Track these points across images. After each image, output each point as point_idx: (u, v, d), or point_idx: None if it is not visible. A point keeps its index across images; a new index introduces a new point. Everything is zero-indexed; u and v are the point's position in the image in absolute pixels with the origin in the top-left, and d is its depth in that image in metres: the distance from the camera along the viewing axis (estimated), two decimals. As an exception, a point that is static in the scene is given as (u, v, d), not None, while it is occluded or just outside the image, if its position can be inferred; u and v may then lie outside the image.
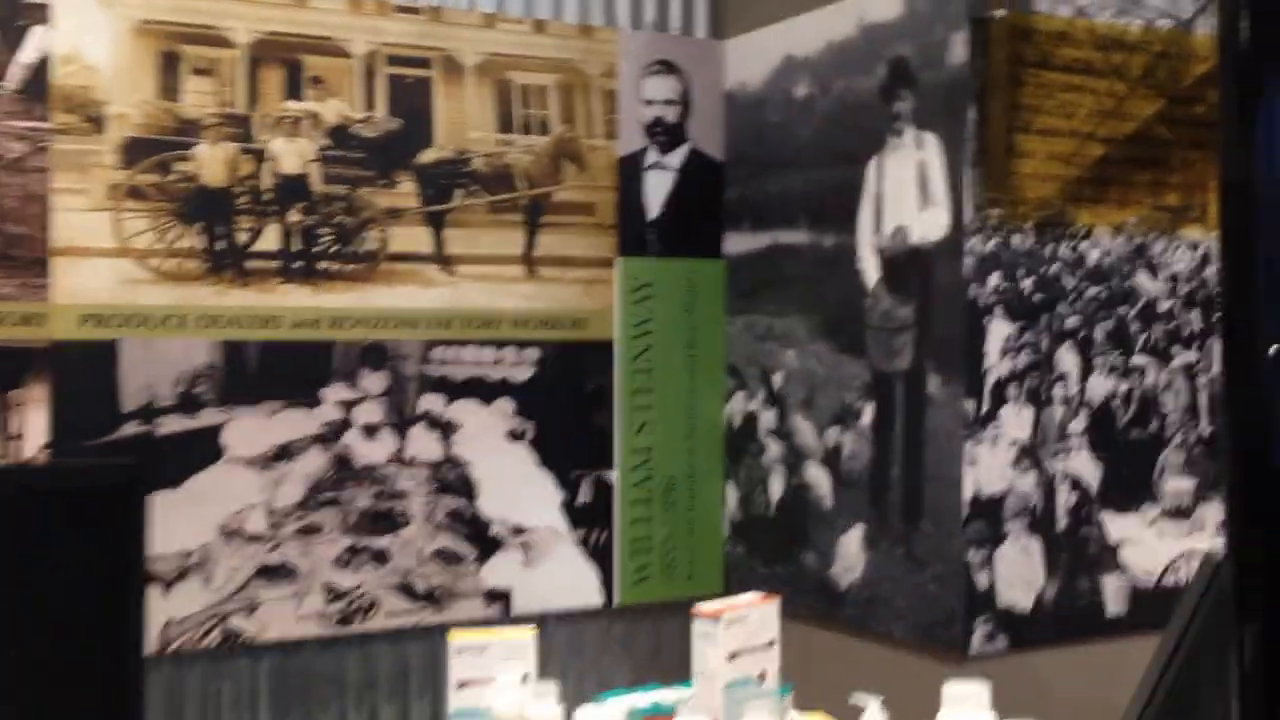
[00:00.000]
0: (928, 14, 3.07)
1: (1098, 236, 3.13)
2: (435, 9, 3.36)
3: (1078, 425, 3.11)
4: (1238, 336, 1.58)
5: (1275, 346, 1.49)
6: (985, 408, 3.00)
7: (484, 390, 3.41)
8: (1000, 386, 3.03)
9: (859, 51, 3.26)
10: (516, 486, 3.43)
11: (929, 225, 3.06)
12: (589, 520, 3.52)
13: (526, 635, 2.58)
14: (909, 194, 3.11)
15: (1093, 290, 3.13)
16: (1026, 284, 3.05)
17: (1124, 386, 3.17)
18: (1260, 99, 1.41)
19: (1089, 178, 3.11)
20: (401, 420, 3.32)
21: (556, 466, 3.48)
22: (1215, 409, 3.30)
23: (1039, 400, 3.07)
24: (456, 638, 2.57)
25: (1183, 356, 3.25)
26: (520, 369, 3.45)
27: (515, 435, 3.45)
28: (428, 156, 3.34)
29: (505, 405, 3.43)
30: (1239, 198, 1.49)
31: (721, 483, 3.67)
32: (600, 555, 3.53)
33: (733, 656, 2.52)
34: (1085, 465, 3.13)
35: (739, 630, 2.53)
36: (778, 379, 3.50)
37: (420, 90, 3.34)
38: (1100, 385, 3.14)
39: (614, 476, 3.54)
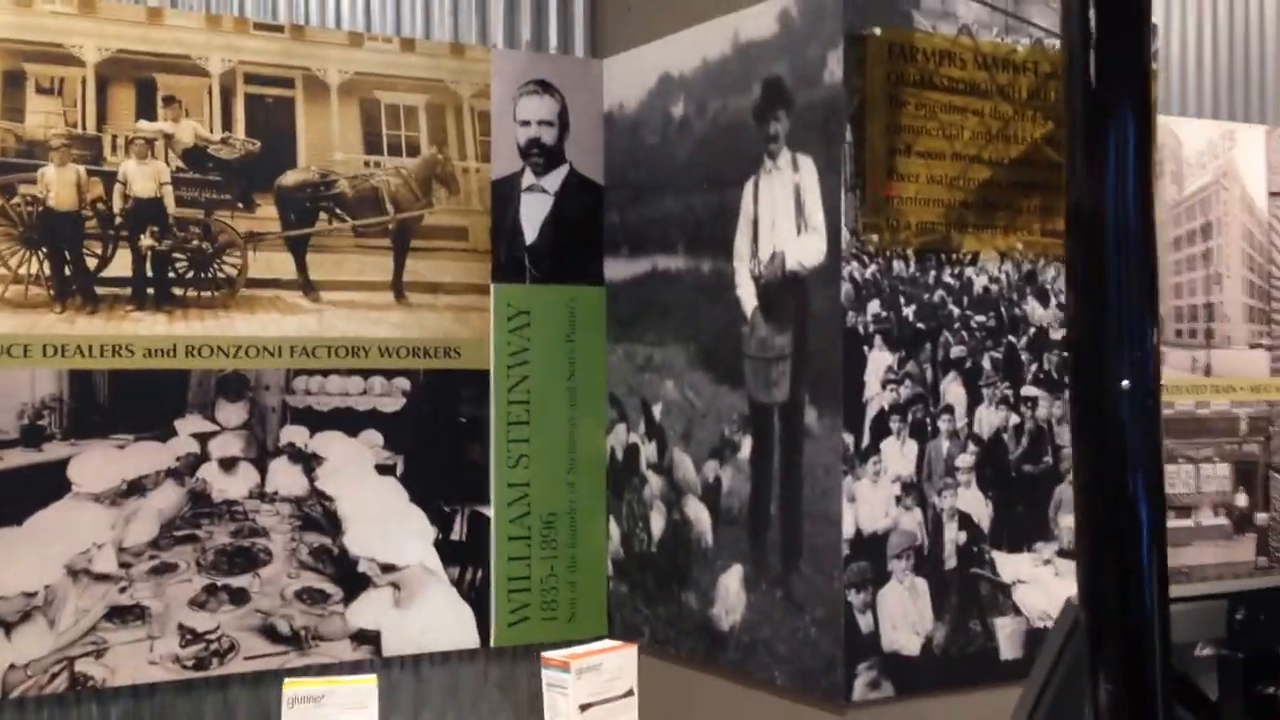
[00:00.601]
0: (803, 31, 2.92)
1: (984, 263, 2.99)
2: (298, 27, 3.18)
3: (966, 459, 2.96)
4: (1087, 371, 1.48)
5: (1125, 382, 1.38)
6: (865, 441, 2.84)
7: (351, 422, 3.22)
8: (882, 419, 2.87)
9: (734, 70, 3.11)
10: (386, 522, 3.24)
11: (806, 251, 2.91)
12: (463, 558, 3.34)
13: (368, 682, 2.39)
14: (785, 218, 2.96)
15: (979, 318, 2.98)
16: (908, 312, 2.90)
17: (1015, 419, 3.02)
18: (1107, 130, 1.32)
19: (974, 202, 2.97)
20: (262, 453, 3.13)
21: (428, 501, 3.30)
22: (1108, 441, 3.15)
23: (924, 433, 2.91)
24: (291, 687, 2.38)
25: (1074, 387, 3.10)
26: (389, 399, 3.26)
27: (384, 469, 3.26)
28: (290, 179, 3.16)
29: (373, 437, 3.25)
30: (1087, 230, 1.39)
31: (604, 519, 3.50)
32: (476, 595, 3.34)
33: (585, 707, 2.34)
34: (974, 501, 2.97)
35: (593, 679, 2.35)
36: (658, 410, 3.34)
37: (282, 110, 3.16)
38: (989, 417, 3.00)
39: (490, 512, 3.36)
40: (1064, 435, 3.09)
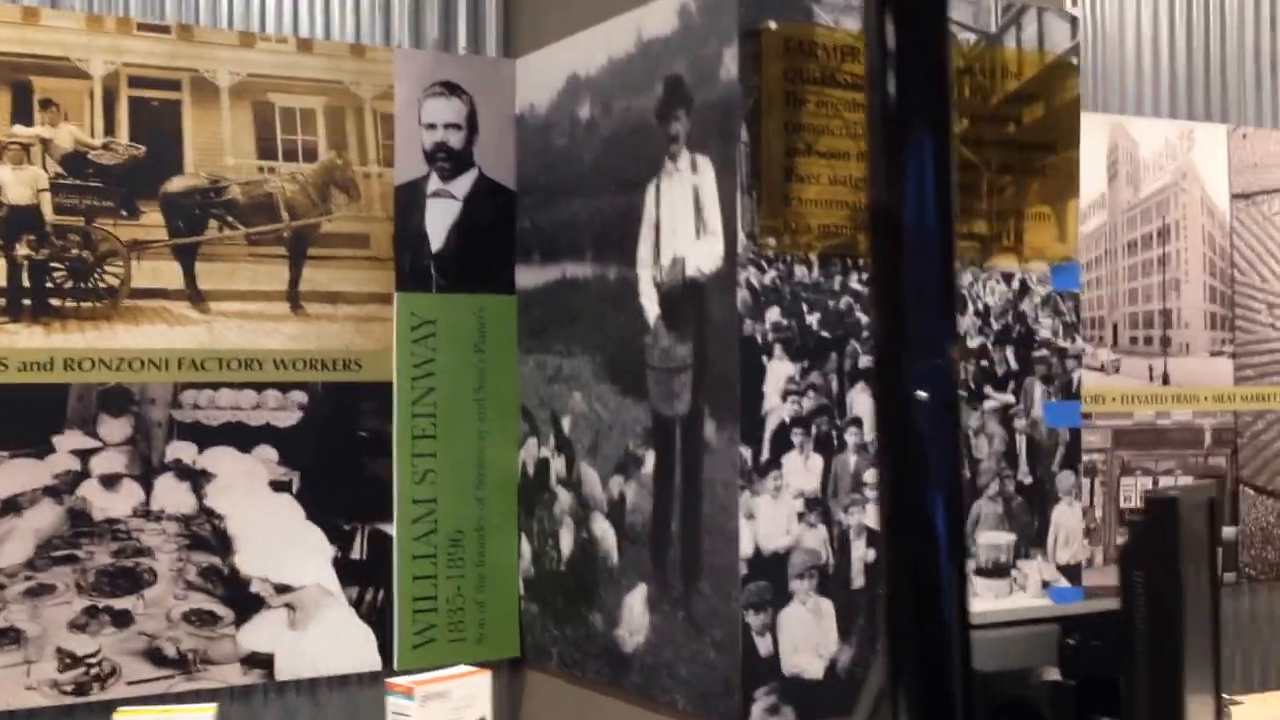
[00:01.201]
0: (701, 28, 2.76)
1: (894, 267, 2.82)
2: (185, 27, 3.04)
3: (873, 473, 2.79)
4: (889, 382, 1.37)
5: (921, 394, 1.28)
6: (765, 455, 2.68)
7: (243, 437, 3.07)
8: (783, 432, 2.70)
9: (638, 69, 2.95)
10: (280, 541, 3.09)
11: (704, 256, 2.75)
12: (364, 577, 3.18)
13: (207, 713, 2.24)
14: (685, 222, 2.80)
15: (889, 326, 2.81)
16: (812, 320, 2.73)
17: (927, 431, 2.85)
18: (909, 144, 1.27)
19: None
20: (147, 470, 2.99)
21: (326, 519, 3.15)
22: (1036, 455, 2.98)
23: (829, 447, 2.75)
24: (123, 716, 2.23)
25: (997, 398, 2.94)
26: (284, 414, 3.11)
27: (279, 485, 3.11)
28: (177, 185, 3.01)
29: (267, 453, 3.10)
30: (890, 250, 1.33)
31: (516, 536, 3.34)
32: (377, 616, 3.19)
33: (438, 741, 2.18)
34: (883, 517, 2.80)
35: (439, 707, 2.19)
36: (567, 423, 3.18)
37: (168, 114, 3.01)
38: (899, 430, 2.82)
39: (392, 530, 3.20)
40: (981, 448, 2.92)
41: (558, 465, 3.20)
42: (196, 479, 3.02)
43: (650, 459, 2.90)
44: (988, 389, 2.93)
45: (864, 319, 2.79)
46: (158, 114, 3.00)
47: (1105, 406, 4.02)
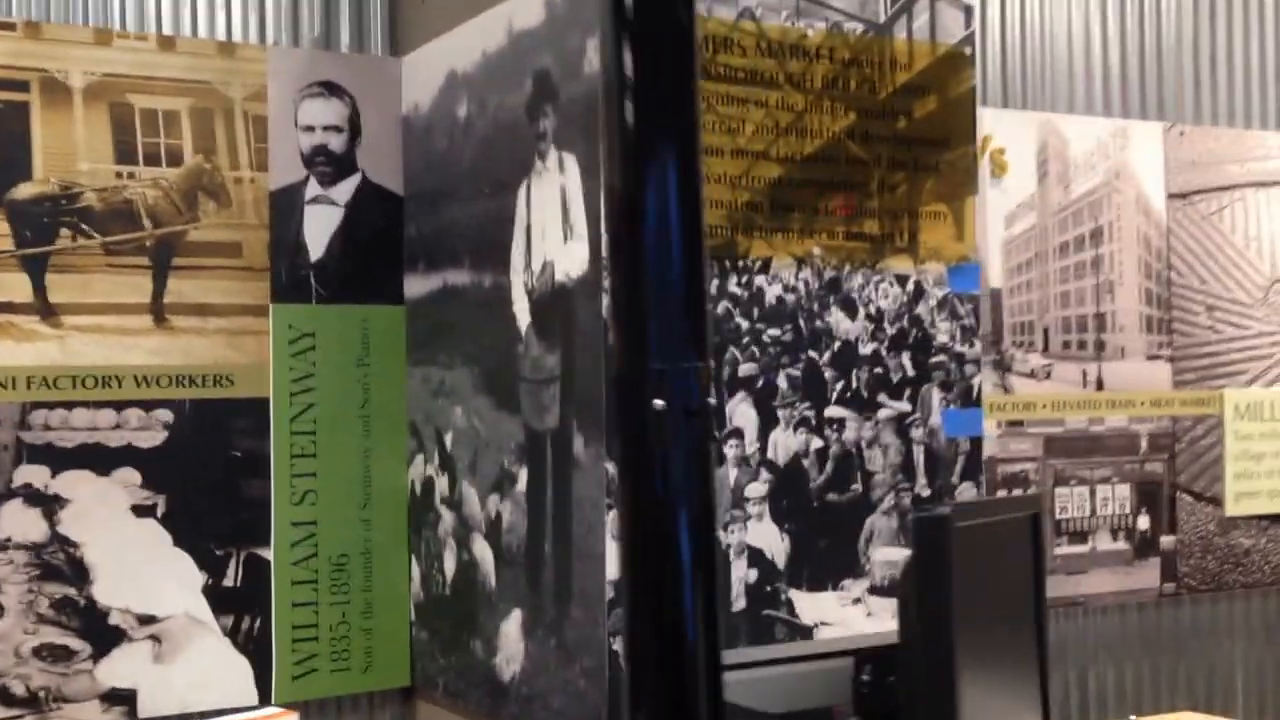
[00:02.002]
0: (566, 18, 2.57)
1: (777, 270, 2.62)
2: (33, 24, 2.84)
3: (758, 489, 2.59)
4: (626, 391, 1.25)
5: (659, 402, 1.21)
6: (634, 472, 2.47)
7: (101, 459, 2.87)
8: (654, 447, 2.49)
9: (509, 64, 2.75)
10: (143, 569, 2.89)
11: (572, 260, 2.55)
12: (239, 605, 2.98)
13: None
14: (554, 225, 2.60)
15: (773, 332, 2.61)
16: (686, 327, 2.52)
17: (817, 443, 2.65)
18: (649, 156, 1.21)
19: (763, 203, 2.60)
20: (-6, 496, 2.78)
21: (196, 545, 2.94)
22: (935, 466, 2.78)
23: (705, 462, 2.53)
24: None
25: (892, 407, 2.73)
26: (147, 434, 2.91)
27: (142, 510, 2.91)
28: (23, 192, 2.82)
29: (128, 475, 2.90)
30: (629, 267, 1.27)
31: (406, 559, 3.13)
32: (254, 646, 2.98)
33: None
34: (768, 535, 2.60)
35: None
36: (449, 439, 2.97)
37: (14, 116, 2.81)
38: (786, 442, 2.62)
39: (270, 554, 3.00)
40: (876, 459, 2.71)
41: (441, 484, 3.00)
42: (49, 504, 2.82)
43: (523, 476, 2.70)
44: (882, 397, 2.72)
45: (744, 324, 2.58)
46: (3, 117, 2.80)
47: (1036, 414, 3.81)
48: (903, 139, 2.74)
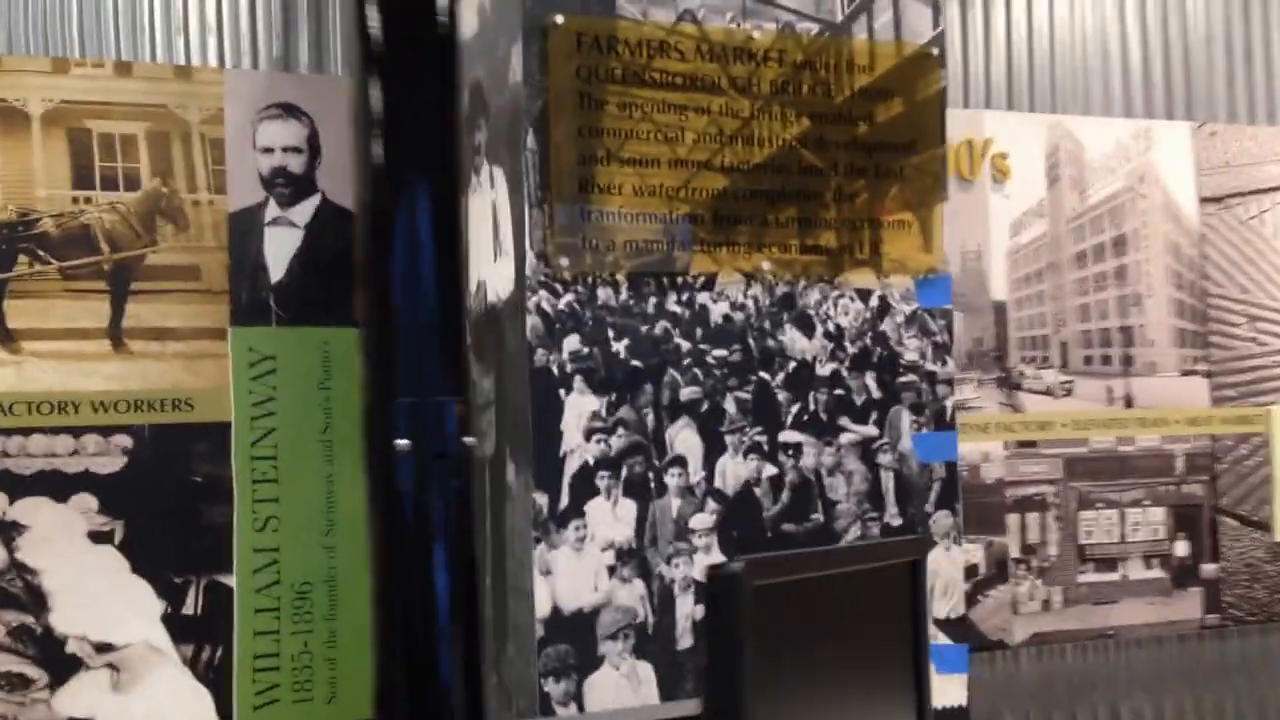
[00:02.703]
0: (494, 26, 2.43)
1: (723, 286, 2.45)
2: (-11, 54, 2.79)
3: (704, 519, 2.42)
4: (373, 427, 1.18)
5: (402, 442, 1.15)
6: (564, 502, 2.32)
7: (58, 485, 2.80)
8: (586, 475, 2.35)
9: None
10: (101, 597, 2.81)
11: (502, 279, 2.41)
12: (199, 634, 2.88)
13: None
14: (486, 242, 2.46)
15: (719, 352, 2.44)
16: (620, 347, 2.38)
17: (770, 470, 2.47)
18: (398, 202, 1.13)
19: (706, 215, 2.43)
20: (-54, 525, 2.72)
21: (155, 572, 2.85)
22: (905, 493, 2.58)
23: (644, 491, 2.38)
24: None
25: (856, 431, 2.54)
26: (105, 459, 2.83)
27: (100, 536, 2.82)
28: (-21, 219, 2.75)
29: (86, 502, 2.82)
30: (378, 301, 1.21)
31: (369, 586, 3.00)
32: (214, 675, 2.88)
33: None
34: (716, 567, 2.42)
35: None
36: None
37: (-32, 143, 2.76)
38: (736, 469, 2.45)
39: (232, 581, 2.90)
40: (838, 487, 2.53)
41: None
42: (6, 531, 2.75)
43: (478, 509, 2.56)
44: (844, 421, 2.54)
45: (685, 345, 2.42)
46: (-42, 145, 2.74)
47: (1054, 434, 3.58)
48: (862, 145, 2.55)
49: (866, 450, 2.55)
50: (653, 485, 2.39)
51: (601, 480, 2.35)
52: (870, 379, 2.56)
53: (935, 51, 2.60)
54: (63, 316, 2.82)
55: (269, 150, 2.97)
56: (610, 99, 2.37)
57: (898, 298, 2.58)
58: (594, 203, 2.35)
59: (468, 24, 2.53)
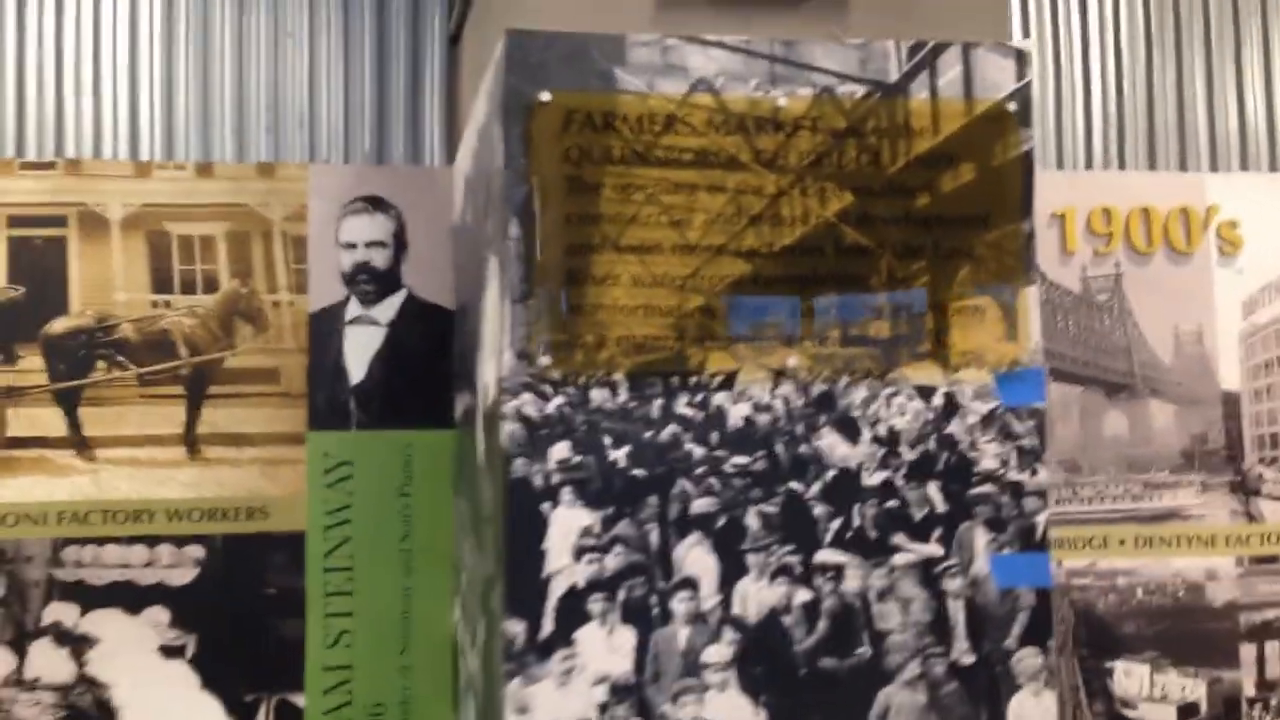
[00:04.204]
0: (491, 104, 2.34)
1: (745, 386, 2.24)
2: (73, 161, 2.91)
3: (720, 652, 2.20)
4: None
5: None
6: (547, 630, 2.16)
7: (131, 597, 2.85)
8: (575, 599, 2.18)
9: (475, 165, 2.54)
10: (171, 713, 2.84)
11: (491, 381, 2.29)
12: (269, 755, 2.86)
13: None
14: (491, 341, 2.35)
15: (739, 460, 2.23)
16: (618, 455, 2.20)
17: (804, 595, 2.23)
18: None
19: (721, 307, 2.24)
20: (21, 634, 2.82)
21: (225, 689, 2.87)
22: (980, 625, 2.28)
23: (645, 617, 2.19)
24: None
25: (913, 550, 2.27)
26: (178, 570, 2.87)
27: (171, 651, 2.86)
28: (59, 326, 2.87)
29: (158, 614, 2.86)
30: None
31: (450, 710, 2.91)
32: (285, 798, 2.86)
33: None
34: (737, 710, 2.20)
35: None
36: (464, 579, 2.75)
37: (52, 252, 2.88)
38: (760, 594, 2.22)
39: (302, 701, 2.87)
40: (890, 616, 2.25)
41: (461, 628, 2.78)
42: (77, 644, 2.82)
43: (480, 630, 2.44)
44: (899, 539, 2.26)
45: (698, 451, 2.22)
46: (40, 253, 2.87)
47: (1298, 549, 3.13)
48: (919, 219, 2.29)
49: (928, 573, 2.26)
50: (656, 611, 2.19)
51: (594, 604, 2.17)
52: (934, 490, 2.27)
53: (1013, 107, 2.31)
54: (138, 422, 2.88)
55: (352, 245, 2.97)
56: (607, 181, 2.21)
57: (970, 395, 2.29)
58: (586, 295, 2.19)
59: (483, 108, 2.44)
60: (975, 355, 2.29)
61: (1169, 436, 3.23)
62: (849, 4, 2.32)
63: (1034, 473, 2.29)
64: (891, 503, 2.26)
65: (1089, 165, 3.38)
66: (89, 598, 2.84)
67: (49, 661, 2.81)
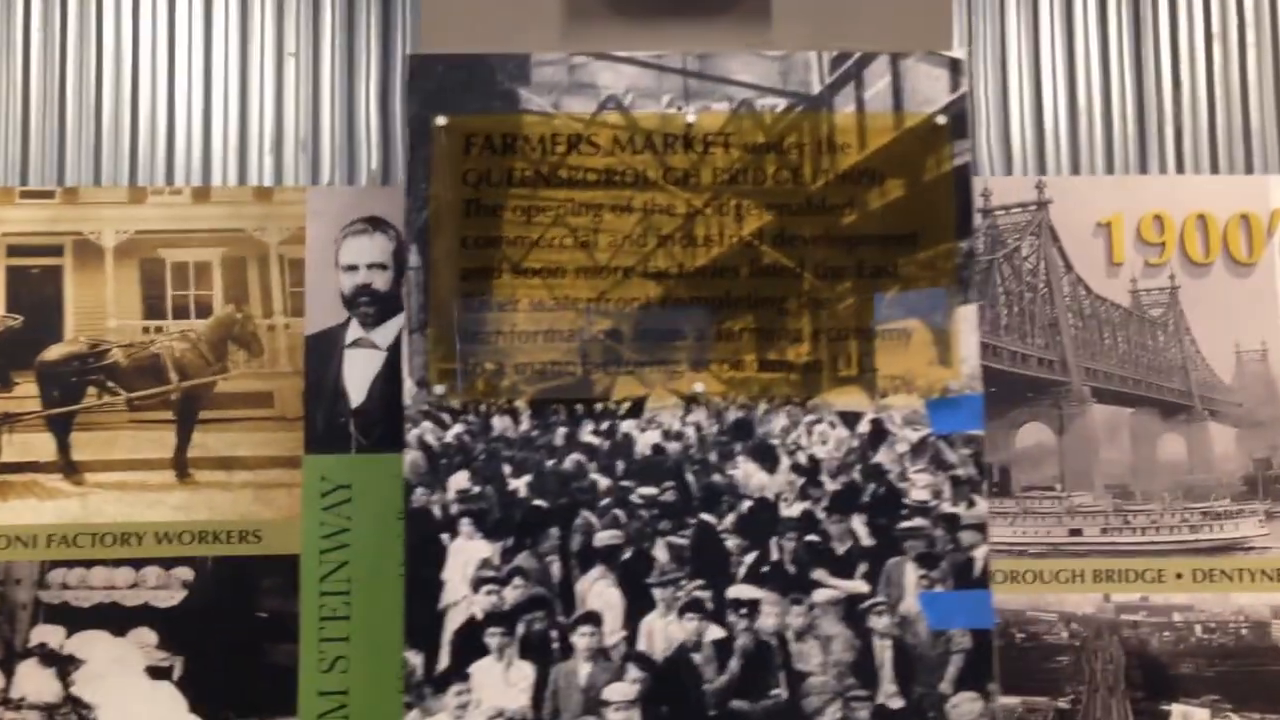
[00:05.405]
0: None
1: (654, 413, 2.25)
2: (70, 190, 3.08)
3: (623, 690, 2.21)
4: None
5: None
6: (442, 663, 2.21)
7: (117, 619, 2.99)
8: (471, 632, 2.22)
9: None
10: (158, 735, 2.96)
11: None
12: (256, 781, 2.97)
13: None
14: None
15: (646, 490, 2.24)
16: (518, 485, 2.23)
17: (715, 632, 2.22)
18: None
19: (628, 330, 2.25)
20: (9, 655, 2.98)
21: (214, 712, 2.97)
22: (910, 668, 2.24)
23: (546, 652, 2.21)
24: None
25: (836, 586, 2.24)
26: (165, 593, 3.00)
27: (158, 672, 2.98)
28: (54, 353, 3.03)
29: (145, 636, 2.99)
30: None
31: (438, 739, 2.97)
32: (271, 825, 2.96)
33: None
34: (643, 748, 2.21)
35: None
36: (435, 608, 2.81)
37: (49, 280, 3.05)
38: (668, 630, 2.23)
39: (293, 727, 2.97)
40: (810, 656, 2.22)
41: (439, 658, 2.84)
42: (63, 665, 2.97)
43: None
44: (819, 573, 2.23)
45: (603, 482, 2.24)
46: (38, 282, 3.04)
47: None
48: (844, 238, 2.26)
49: (852, 611, 2.22)
50: (556, 646, 2.21)
51: (492, 638, 2.20)
52: (858, 522, 2.23)
53: (943, 121, 2.26)
54: (128, 447, 3.02)
55: (353, 268, 3.04)
56: (509, 203, 2.25)
57: (899, 422, 2.24)
58: (485, 321, 2.23)
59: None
60: (904, 380, 2.25)
61: (1230, 462, 3.09)
62: (772, 15, 2.30)
63: (971, 504, 2.24)
64: (812, 536, 2.23)
65: (1143, 169, 3.25)
66: (74, 619, 2.97)
67: (35, 682, 2.96)
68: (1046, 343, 3.02)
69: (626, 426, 2.23)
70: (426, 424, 2.21)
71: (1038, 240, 3.02)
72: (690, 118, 2.25)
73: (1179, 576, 3.05)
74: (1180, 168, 3.24)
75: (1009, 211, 3.02)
